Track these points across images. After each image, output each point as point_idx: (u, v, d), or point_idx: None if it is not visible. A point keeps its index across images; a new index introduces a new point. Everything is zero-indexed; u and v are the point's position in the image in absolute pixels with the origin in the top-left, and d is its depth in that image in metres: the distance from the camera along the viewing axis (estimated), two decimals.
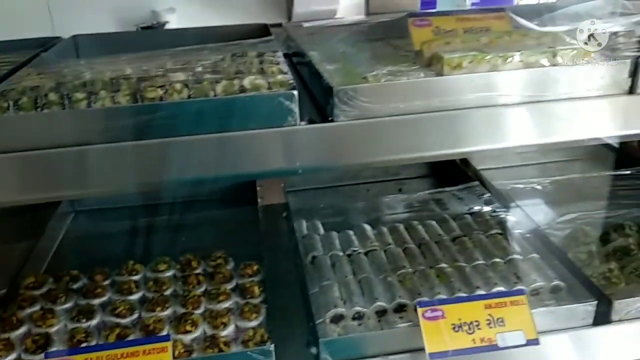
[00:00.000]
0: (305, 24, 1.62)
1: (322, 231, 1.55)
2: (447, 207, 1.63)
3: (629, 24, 1.31)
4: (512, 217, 1.52)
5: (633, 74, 1.05)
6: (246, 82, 0.99)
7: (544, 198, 1.66)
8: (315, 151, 0.99)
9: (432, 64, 1.06)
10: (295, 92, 0.95)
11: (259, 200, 1.75)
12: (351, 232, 1.50)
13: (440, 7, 2.57)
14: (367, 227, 1.52)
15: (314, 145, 0.99)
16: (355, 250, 1.42)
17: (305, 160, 0.99)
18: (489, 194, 1.65)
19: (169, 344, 1.01)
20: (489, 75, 1.00)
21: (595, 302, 1.17)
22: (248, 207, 1.74)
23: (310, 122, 0.99)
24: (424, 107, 0.98)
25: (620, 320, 1.20)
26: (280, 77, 1.01)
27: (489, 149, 1.05)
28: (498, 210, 1.56)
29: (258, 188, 1.78)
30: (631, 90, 1.05)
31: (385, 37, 1.39)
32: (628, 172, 1.82)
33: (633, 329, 1.21)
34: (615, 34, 1.16)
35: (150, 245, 1.58)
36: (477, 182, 1.73)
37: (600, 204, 1.69)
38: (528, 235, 1.44)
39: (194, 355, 1.11)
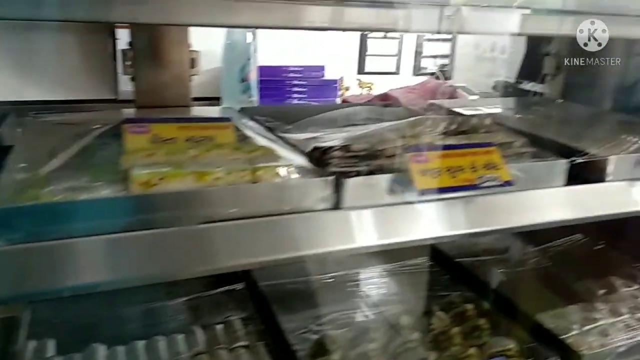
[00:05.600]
0: None
1: (50, 354, 1.32)
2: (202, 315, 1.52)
3: (376, 130, 1.38)
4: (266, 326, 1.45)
5: (337, 190, 1.07)
6: None
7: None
8: None
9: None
10: None
11: None
12: (79, 356, 1.31)
13: (225, 102, 2.64)
14: (101, 348, 1.33)
15: None
16: None
17: None
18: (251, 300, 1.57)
19: None
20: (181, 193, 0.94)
21: None
22: None
23: None
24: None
25: None
26: None
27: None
28: (253, 318, 1.48)
29: None
30: (337, 206, 1.07)
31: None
32: None
33: None
34: (331, 148, 1.18)
35: None
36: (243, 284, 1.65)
37: None
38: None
39: None
